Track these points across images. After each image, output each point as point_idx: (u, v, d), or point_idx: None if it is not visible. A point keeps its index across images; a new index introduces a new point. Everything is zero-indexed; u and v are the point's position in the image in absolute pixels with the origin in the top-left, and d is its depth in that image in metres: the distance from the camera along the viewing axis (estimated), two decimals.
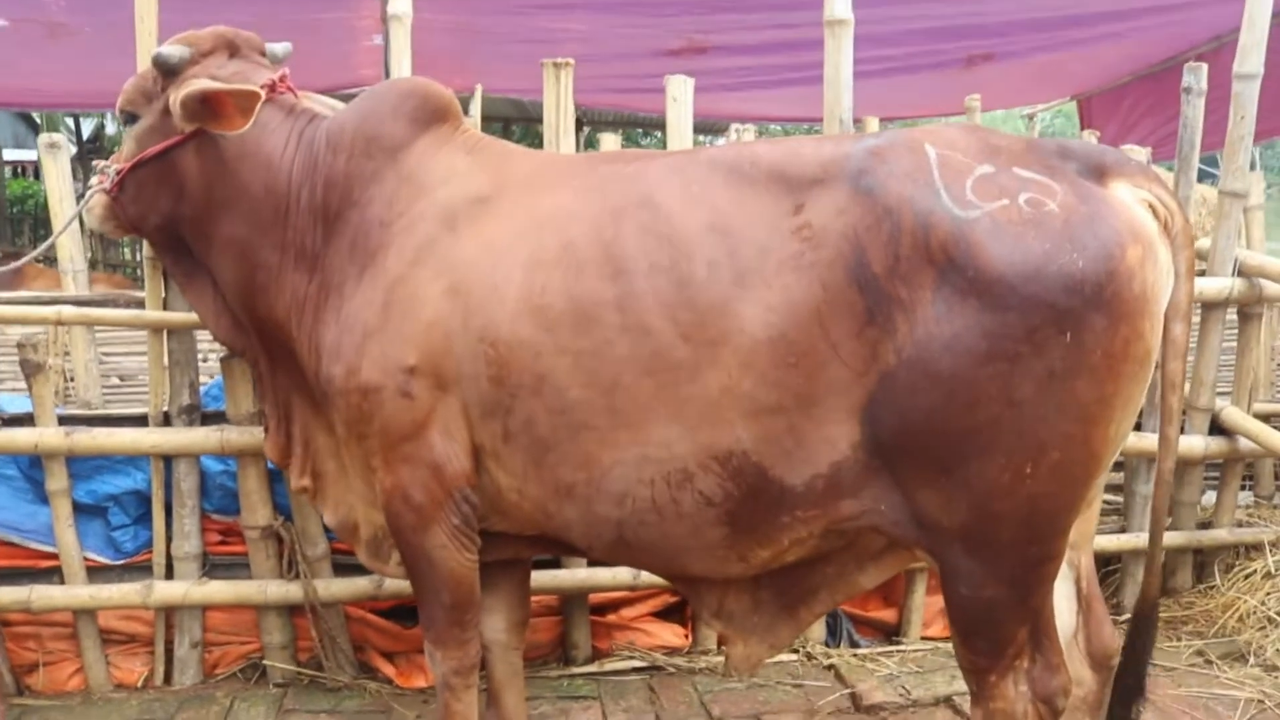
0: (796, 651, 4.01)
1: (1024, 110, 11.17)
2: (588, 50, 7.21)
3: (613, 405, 2.40)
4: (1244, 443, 4.20)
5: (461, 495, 2.65)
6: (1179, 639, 4.12)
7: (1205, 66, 4.14)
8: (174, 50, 2.83)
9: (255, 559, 3.73)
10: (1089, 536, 2.69)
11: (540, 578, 3.71)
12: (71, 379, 4.47)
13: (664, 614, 4.10)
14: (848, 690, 3.70)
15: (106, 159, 3.06)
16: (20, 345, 3.47)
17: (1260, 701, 3.59)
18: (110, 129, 18.52)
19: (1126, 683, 2.55)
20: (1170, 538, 4.32)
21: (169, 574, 3.72)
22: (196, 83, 2.71)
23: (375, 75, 7.23)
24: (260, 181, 2.84)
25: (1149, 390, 4.03)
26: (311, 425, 3.03)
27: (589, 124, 12.80)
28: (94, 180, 3.01)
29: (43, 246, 3.37)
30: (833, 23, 3.73)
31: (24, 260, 3.51)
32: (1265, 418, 4.50)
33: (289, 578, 3.71)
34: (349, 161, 2.78)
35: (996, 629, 2.36)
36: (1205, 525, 4.44)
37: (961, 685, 2.55)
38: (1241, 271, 4.11)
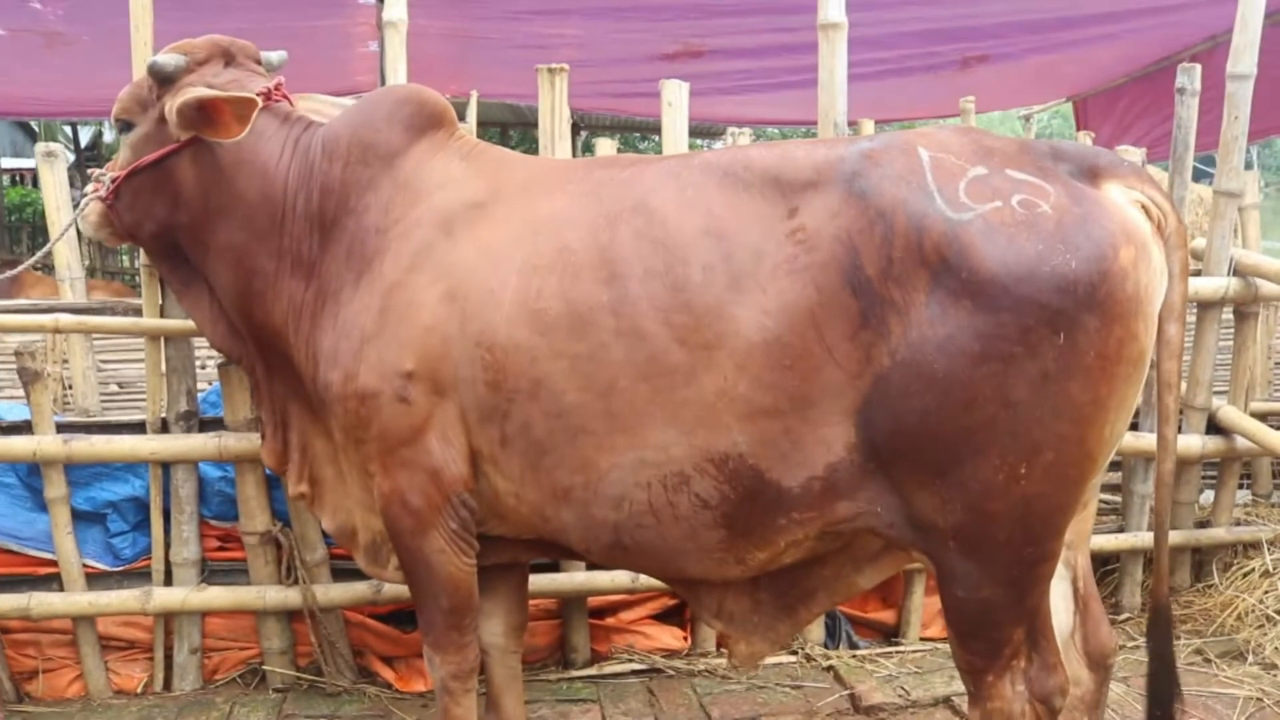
0: (795, 653, 4.01)
1: (1021, 111, 11.19)
2: (584, 55, 7.23)
3: (609, 409, 2.41)
4: (1241, 442, 4.21)
5: (459, 500, 2.66)
6: (1178, 637, 4.11)
7: (1199, 67, 4.15)
8: (169, 59, 2.83)
9: (254, 565, 3.74)
10: (1085, 536, 2.69)
11: (539, 581, 3.71)
12: (70, 387, 4.48)
13: (663, 617, 4.10)
14: (847, 691, 3.71)
15: (104, 167, 3.07)
16: (18, 353, 3.48)
17: (1259, 699, 3.60)
18: (108, 137, 18.54)
19: (1160, 690, 2.54)
20: (1169, 536, 4.32)
21: (168, 580, 3.73)
22: (193, 90, 2.71)
23: (371, 82, 7.25)
24: (256, 189, 2.85)
25: (1146, 390, 4.07)
26: (309, 431, 3.04)
27: (586, 129, 12.83)
28: (89, 188, 3.01)
29: (39, 254, 3.37)
30: (827, 26, 3.74)
31: (20, 268, 3.52)
32: (1262, 416, 4.52)
33: (288, 583, 3.72)
34: (345, 169, 2.79)
35: (993, 629, 2.37)
36: (1203, 524, 4.44)
37: (960, 686, 2.55)
38: (1237, 271, 4.12)
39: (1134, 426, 4.17)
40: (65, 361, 4.45)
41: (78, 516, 3.69)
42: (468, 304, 2.55)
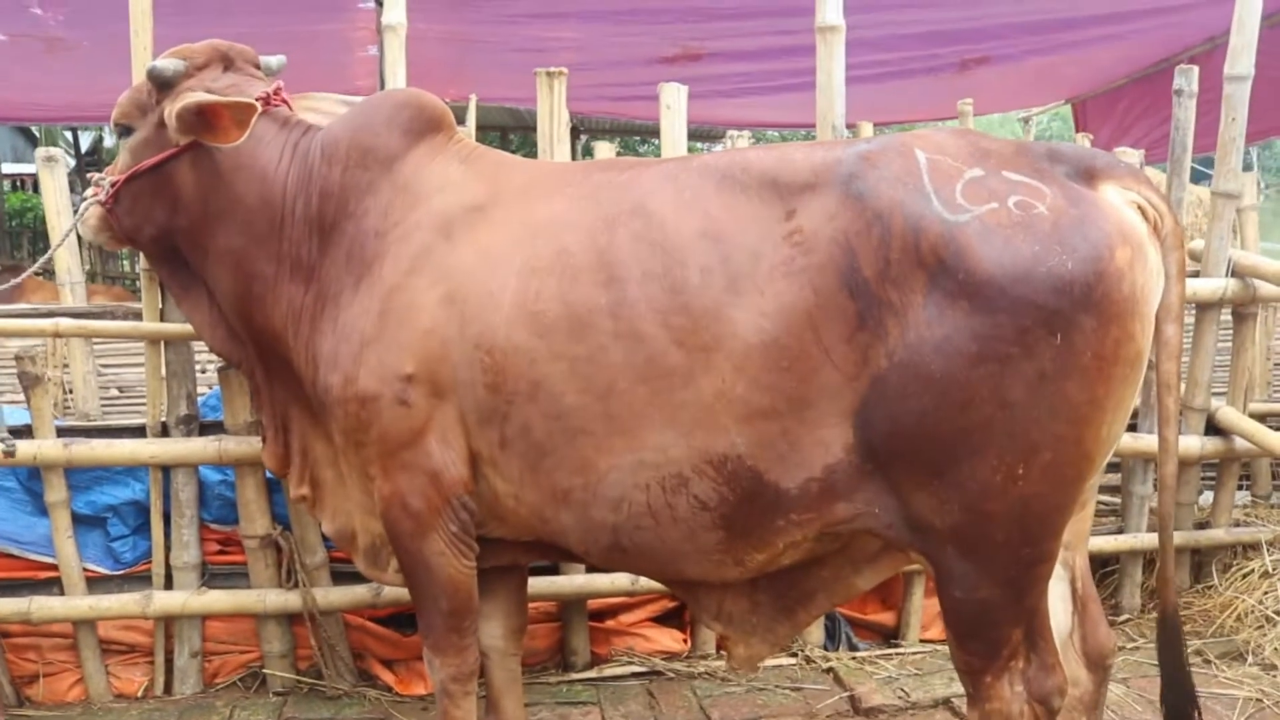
0: (795, 655, 4.01)
1: (1020, 114, 11.20)
2: (583, 59, 7.24)
3: (608, 411, 2.42)
4: (1240, 443, 4.22)
5: (459, 502, 2.67)
6: None
7: (1196, 69, 4.16)
8: (168, 63, 2.84)
9: (254, 568, 3.74)
10: (1084, 537, 2.70)
11: (539, 584, 3.72)
12: (70, 391, 4.49)
13: (663, 619, 4.10)
14: (846, 693, 3.71)
15: (104, 171, 3.08)
16: (18, 358, 3.49)
17: (1258, 700, 3.60)
18: (109, 142, 18.54)
19: (1176, 698, 2.54)
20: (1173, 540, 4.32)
21: (168, 584, 3.73)
22: (192, 95, 2.72)
23: (371, 86, 7.25)
24: (255, 193, 2.86)
25: (1145, 391, 4.08)
26: (309, 434, 3.05)
27: (586, 132, 12.84)
28: (89, 192, 3.02)
29: (41, 260, 3.39)
30: (824, 29, 3.75)
31: (22, 276, 3.52)
32: (1261, 417, 4.52)
33: (288, 586, 3.72)
34: (344, 173, 2.80)
35: (991, 630, 2.37)
36: (1202, 525, 4.44)
37: (960, 687, 2.56)
38: (1235, 272, 4.12)
39: (1133, 428, 4.18)
40: (65, 366, 4.46)
41: (78, 520, 3.69)
42: (467, 307, 2.56)
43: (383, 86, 4.03)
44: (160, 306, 3.58)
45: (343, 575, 3.77)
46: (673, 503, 2.43)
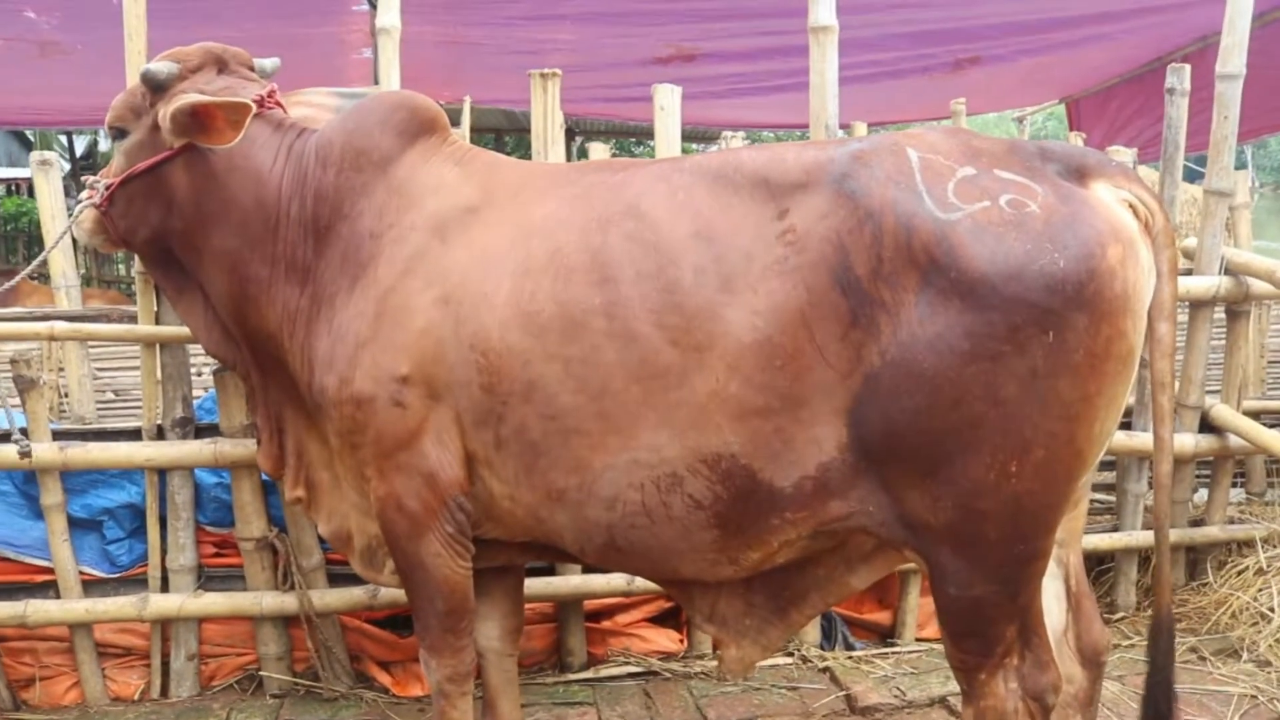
0: (791, 654, 4.02)
1: (1014, 113, 11.23)
2: (577, 60, 7.25)
3: (602, 410, 2.42)
4: (1234, 440, 4.22)
5: (455, 503, 2.67)
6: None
7: (1188, 67, 4.17)
8: (162, 66, 2.85)
9: (250, 571, 3.75)
10: (1077, 534, 2.71)
11: (535, 585, 3.72)
12: (66, 394, 4.49)
13: (659, 619, 4.11)
14: (843, 692, 3.72)
15: (98, 174, 3.08)
16: (14, 361, 3.49)
17: (1253, 697, 3.61)
18: (103, 146, 18.52)
19: (1156, 701, 2.54)
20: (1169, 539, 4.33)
21: (164, 587, 3.74)
22: (186, 97, 2.72)
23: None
24: (250, 195, 2.86)
25: (1139, 389, 4.10)
26: (304, 436, 3.05)
27: (581, 134, 12.85)
28: (84, 195, 3.02)
29: (35, 262, 3.39)
30: (817, 29, 3.75)
31: (17, 279, 3.52)
32: (1255, 415, 4.54)
33: (284, 589, 3.72)
34: (339, 175, 2.80)
35: (986, 627, 2.38)
36: (1197, 522, 4.45)
37: (956, 686, 2.57)
38: (1229, 270, 4.13)
39: (1127, 426, 4.19)
40: (61, 369, 4.46)
41: (74, 524, 3.69)
42: (462, 308, 2.56)
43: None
44: (155, 309, 3.59)
45: (339, 577, 3.78)
46: (667, 501, 2.43)
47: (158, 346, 3.62)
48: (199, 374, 5.12)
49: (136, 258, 3.43)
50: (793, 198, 2.34)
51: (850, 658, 4.01)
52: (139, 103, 2.92)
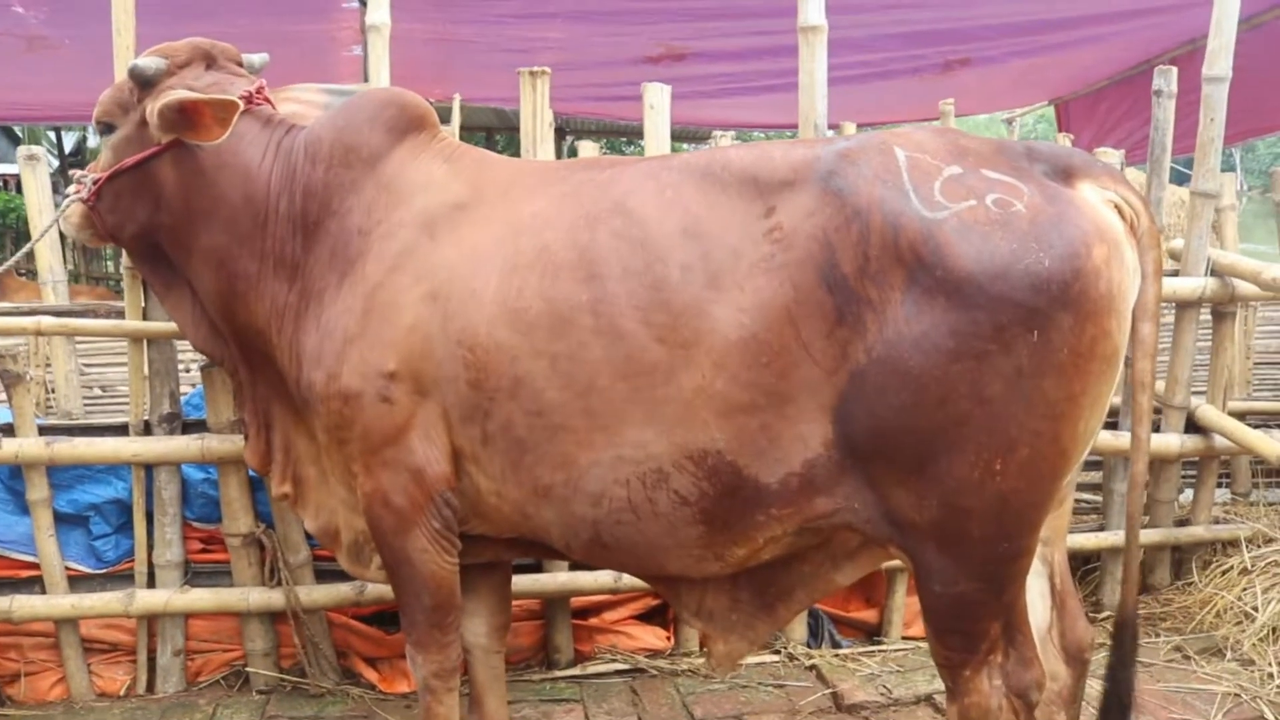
0: (778, 652, 4.03)
1: (1004, 115, 11.26)
2: (567, 59, 7.25)
3: (589, 407, 2.43)
4: (1220, 440, 4.25)
5: (442, 499, 2.67)
6: (1157, 635, 4.16)
7: (1175, 70, 4.20)
8: (150, 62, 2.84)
9: (237, 566, 3.74)
10: (1062, 533, 2.72)
11: (522, 582, 3.73)
12: (52, 390, 4.48)
13: (646, 617, 4.12)
14: (829, 690, 3.73)
15: (86, 169, 3.07)
16: (0, 356, 3.48)
17: (1237, 695, 3.63)
18: (92, 142, 18.47)
19: (1117, 694, 2.56)
20: (1148, 535, 4.36)
21: (151, 582, 3.73)
22: (174, 93, 2.72)
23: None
24: (239, 191, 2.86)
25: (1126, 389, 4.11)
26: (292, 432, 3.05)
27: (571, 133, 12.84)
28: (71, 189, 3.02)
29: (19, 254, 3.38)
30: (806, 29, 3.76)
31: (1, 269, 3.51)
32: (1240, 415, 4.56)
33: (271, 585, 3.72)
34: (327, 171, 2.80)
35: (970, 625, 2.39)
36: (1183, 522, 4.48)
37: (942, 684, 2.57)
38: (1215, 271, 4.16)
39: (1113, 426, 4.21)
40: (48, 365, 4.45)
41: (60, 519, 3.69)
42: (450, 304, 2.57)
43: None
44: (143, 305, 3.58)
45: (326, 573, 3.78)
46: (653, 498, 2.44)
47: (145, 342, 3.61)
48: (186, 370, 5.12)
49: (124, 253, 3.42)
50: (780, 195, 2.35)
51: (837, 655, 4.03)
52: (127, 98, 2.91)
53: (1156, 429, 4.30)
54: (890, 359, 2.19)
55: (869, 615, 4.26)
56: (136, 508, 3.69)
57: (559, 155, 8.97)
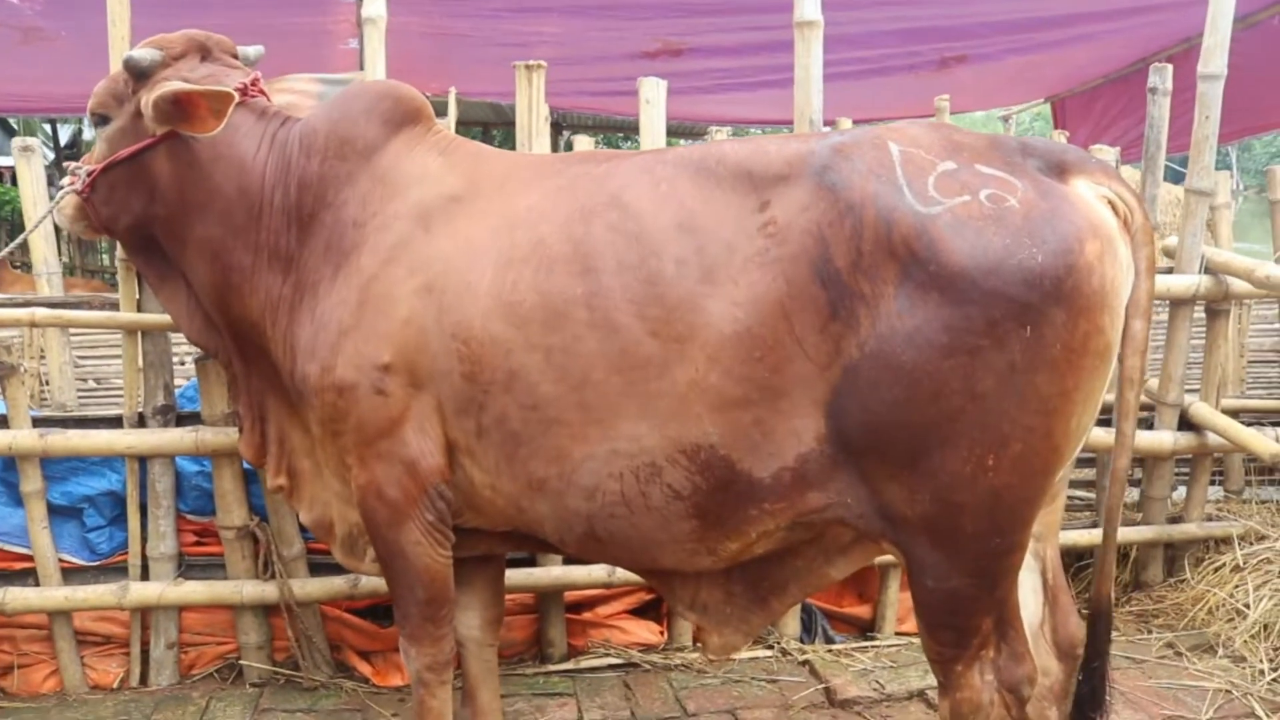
0: (771, 647, 4.04)
1: (1000, 112, 11.27)
2: (564, 53, 7.24)
3: (583, 400, 2.43)
4: (1213, 438, 4.26)
5: (436, 491, 2.68)
6: (1149, 631, 4.17)
7: (1170, 67, 4.20)
8: (145, 53, 2.84)
9: (231, 559, 3.75)
10: (1054, 529, 2.72)
11: (516, 576, 3.73)
12: (47, 382, 4.48)
13: (639, 611, 4.12)
14: (822, 685, 3.74)
15: (80, 160, 3.07)
16: None
17: (1228, 692, 3.64)
18: (88, 135, 18.41)
19: (1091, 685, 2.58)
20: (1141, 532, 4.38)
21: (144, 575, 3.73)
22: (168, 84, 2.71)
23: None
24: (233, 183, 2.85)
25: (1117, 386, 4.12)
26: (286, 424, 3.05)
27: (568, 128, 12.84)
28: (66, 180, 3.01)
29: (13, 244, 3.38)
30: (802, 24, 3.76)
31: None
32: (1234, 413, 4.58)
33: (265, 578, 3.73)
34: (323, 163, 2.80)
35: (962, 620, 2.40)
36: (1176, 520, 4.49)
37: (935, 680, 2.58)
38: (1209, 269, 4.16)
39: (1107, 423, 4.21)
40: (42, 357, 4.44)
41: (54, 511, 3.69)
42: (444, 297, 2.57)
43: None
44: (137, 297, 3.58)
45: (320, 566, 3.78)
46: (646, 491, 2.44)
47: (139, 334, 3.61)
48: (181, 362, 5.12)
49: (119, 245, 3.42)
50: (774, 190, 2.35)
51: (830, 651, 4.04)
52: (122, 89, 2.91)
53: (1150, 426, 4.31)
54: (883, 354, 2.19)
55: (862, 610, 4.27)
56: (130, 500, 3.69)
57: (555, 150, 8.97)
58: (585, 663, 3.94)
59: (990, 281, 2.13)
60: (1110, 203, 2.30)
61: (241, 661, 3.82)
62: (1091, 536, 4.28)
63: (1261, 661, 3.78)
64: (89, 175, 2.94)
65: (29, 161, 3.82)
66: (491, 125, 13.73)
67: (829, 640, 4.14)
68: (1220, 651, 3.94)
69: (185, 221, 2.91)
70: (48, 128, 17.48)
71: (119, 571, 3.76)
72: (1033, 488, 2.29)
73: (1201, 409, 4.28)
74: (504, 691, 3.37)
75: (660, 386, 2.37)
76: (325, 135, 2.82)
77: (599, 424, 2.43)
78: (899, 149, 2.30)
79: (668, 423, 2.38)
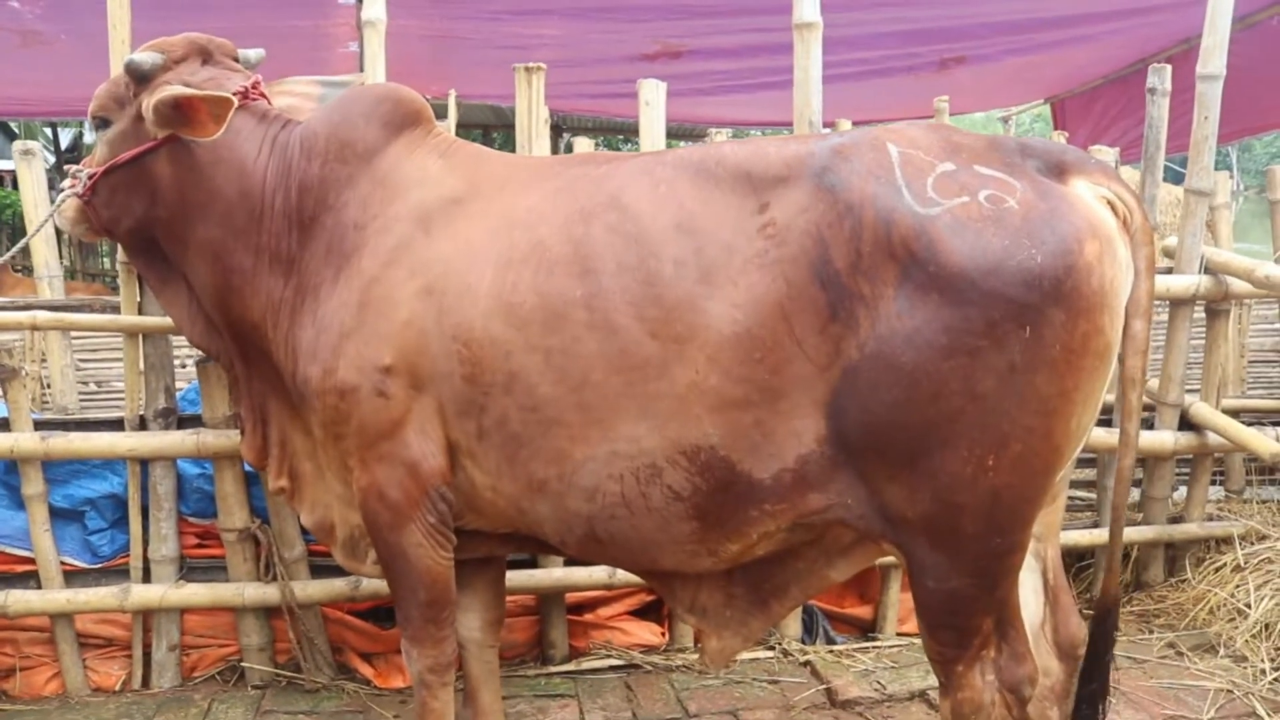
0: (773, 648, 4.05)
1: (1000, 113, 11.27)
2: (564, 56, 7.25)
3: (583, 402, 2.43)
4: (1213, 438, 4.26)
5: (437, 493, 2.68)
6: (1150, 631, 4.18)
7: (1169, 67, 4.21)
8: (146, 56, 2.84)
9: (232, 561, 3.75)
10: (1055, 528, 2.73)
11: (517, 577, 3.74)
12: (48, 386, 4.48)
13: (640, 612, 4.12)
14: (823, 686, 3.74)
15: (81, 163, 3.07)
16: None
17: (1229, 691, 3.64)
18: (89, 138, 18.42)
19: (1091, 686, 2.58)
20: (1142, 532, 4.38)
21: (146, 577, 3.74)
22: (169, 88, 2.72)
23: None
24: (234, 186, 2.86)
25: (1118, 387, 4.12)
26: (288, 426, 3.05)
27: (568, 130, 12.84)
28: (67, 184, 3.02)
29: (15, 248, 3.38)
30: (801, 26, 3.77)
31: None
32: (1234, 413, 4.58)
33: (266, 580, 3.73)
34: (323, 166, 2.81)
35: (962, 620, 2.40)
36: (1176, 520, 4.49)
37: (936, 680, 2.59)
38: (1208, 269, 4.17)
39: (1108, 423, 4.22)
40: (43, 360, 4.44)
41: (55, 514, 3.69)
42: (445, 298, 2.57)
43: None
44: (139, 300, 3.59)
45: (321, 569, 3.79)
46: (646, 493, 2.44)
47: (140, 337, 3.62)
48: (182, 365, 5.13)
49: (120, 248, 3.42)
50: (774, 191, 2.35)
51: (831, 651, 4.04)
52: (122, 93, 2.91)
53: (1150, 426, 4.31)
54: (883, 354, 2.20)
55: (863, 611, 4.27)
56: (132, 503, 3.69)
57: (555, 152, 8.97)
58: (587, 664, 3.94)
59: (989, 282, 2.13)
60: (1109, 203, 2.30)
61: (243, 664, 3.82)
62: (1092, 536, 4.29)
63: (1263, 661, 3.78)
64: (90, 178, 2.95)
65: (30, 165, 3.82)
66: (491, 128, 13.74)
67: (830, 641, 4.15)
68: (1221, 651, 3.95)
69: (186, 224, 2.91)
70: (48, 131, 17.52)
71: (121, 574, 3.76)
72: (1033, 488, 2.29)
73: (1202, 409, 4.29)
74: (505, 693, 3.38)
75: (660, 387, 2.37)
76: (326, 138, 2.83)
77: (599, 425, 2.43)
78: (898, 150, 2.30)
79: (667, 424, 2.38)
